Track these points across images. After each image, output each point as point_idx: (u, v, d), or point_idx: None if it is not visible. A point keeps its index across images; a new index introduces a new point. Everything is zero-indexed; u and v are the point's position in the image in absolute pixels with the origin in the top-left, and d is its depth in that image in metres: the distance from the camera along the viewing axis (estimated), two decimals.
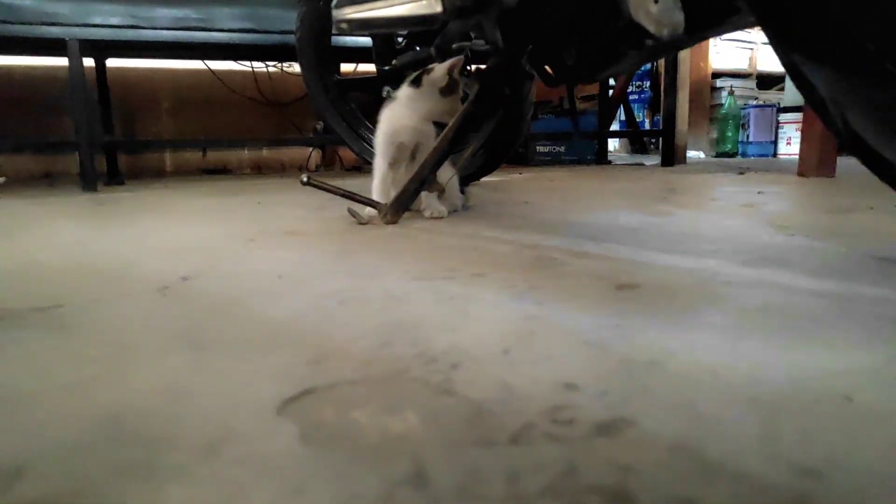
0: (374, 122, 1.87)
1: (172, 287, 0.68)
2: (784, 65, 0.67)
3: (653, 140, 4.17)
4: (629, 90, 3.80)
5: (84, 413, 0.36)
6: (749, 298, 0.58)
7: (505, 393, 0.38)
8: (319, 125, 3.15)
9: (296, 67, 2.97)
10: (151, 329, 0.53)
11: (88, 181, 2.17)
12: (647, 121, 4.09)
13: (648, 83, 3.97)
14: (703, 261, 0.74)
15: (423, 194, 1.20)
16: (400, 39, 1.66)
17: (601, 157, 3.22)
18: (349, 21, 1.05)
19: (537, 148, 3.26)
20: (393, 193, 1.15)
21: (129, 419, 0.35)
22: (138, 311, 0.59)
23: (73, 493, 0.28)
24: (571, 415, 0.34)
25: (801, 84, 0.65)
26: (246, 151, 3.17)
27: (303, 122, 3.20)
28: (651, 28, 0.66)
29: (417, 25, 1.02)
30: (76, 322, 0.56)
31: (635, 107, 4.01)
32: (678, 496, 0.26)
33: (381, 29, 1.06)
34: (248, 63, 2.99)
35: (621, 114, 3.85)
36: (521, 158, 3.23)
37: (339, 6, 1.06)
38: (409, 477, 0.29)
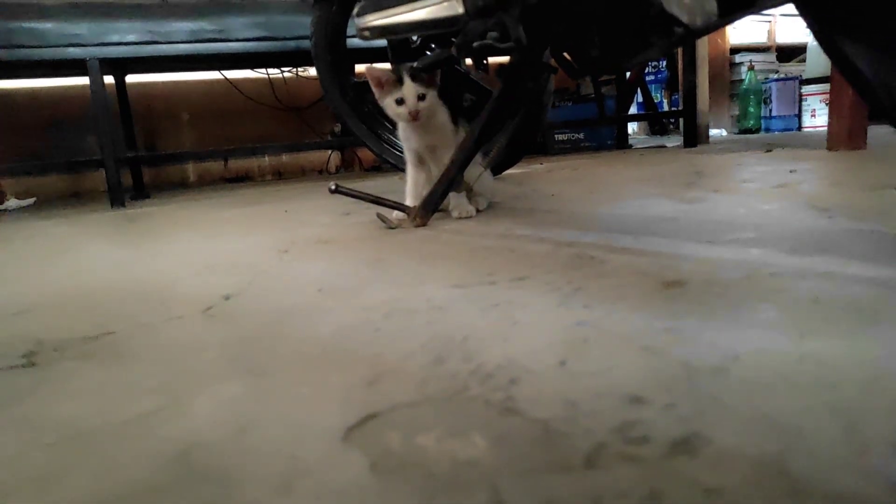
0: (392, 122, 1.88)
1: (216, 307, 0.69)
2: (825, 47, 0.65)
3: (672, 120, 4.11)
4: (645, 71, 3.75)
5: (153, 449, 0.36)
6: (802, 290, 0.56)
7: (570, 410, 0.37)
8: (337, 128, 3.16)
9: (311, 72, 2.98)
10: (203, 354, 0.54)
11: (116, 197, 2.20)
12: (664, 101, 4.02)
13: (665, 63, 3.90)
14: (748, 251, 0.73)
15: (451, 194, 1.19)
16: (415, 39, 1.65)
17: (621, 142, 3.18)
18: (371, 28, 1.05)
19: (556, 136, 3.23)
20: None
21: (197, 455, 0.35)
22: (187, 335, 0.60)
23: None
24: (643, 431, 0.33)
25: (843, 66, 0.63)
26: (266, 158, 3.20)
27: (320, 126, 3.21)
28: (684, 18, 0.65)
29: (439, 28, 1.01)
30: (128, 350, 0.56)
31: (652, 88, 3.94)
32: None
33: (404, 34, 1.05)
34: (263, 70, 3.01)
35: (638, 96, 3.79)
36: (541, 148, 3.21)
37: (361, 14, 1.05)
38: None
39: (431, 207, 1.15)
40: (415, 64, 1.05)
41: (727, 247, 0.76)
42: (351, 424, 0.37)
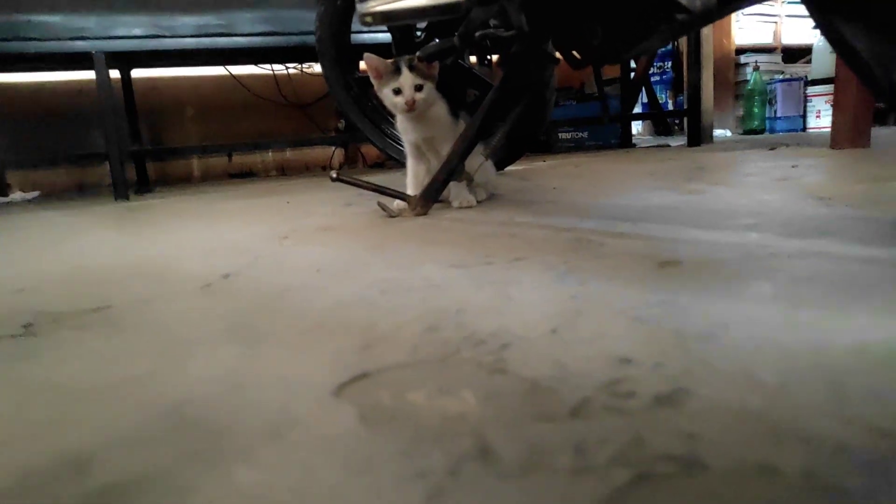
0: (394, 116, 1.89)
1: (215, 284, 0.69)
2: (822, 29, 0.65)
3: (677, 121, 4.10)
4: (650, 71, 3.74)
5: (147, 404, 0.37)
6: (798, 268, 0.57)
7: (559, 370, 0.37)
8: (341, 124, 3.16)
9: (315, 68, 2.99)
10: (200, 324, 0.54)
11: (120, 190, 2.21)
12: (669, 101, 4.02)
13: (670, 63, 3.90)
14: (745, 234, 0.73)
15: (452, 184, 1.20)
16: (419, 32, 1.66)
17: (625, 141, 3.18)
18: (373, 14, 1.05)
19: (559, 134, 3.23)
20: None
21: (190, 409, 0.36)
22: (185, 308, 0.60)
23: (143, 479, 0.29)
24: (630, 387, 0.34)
25: (841, 48, 0.63)
26: (270, 154, 3.21)
27: (324, 122, 3.22)
28: (683, 0, 0.65)
29: (440, 15, 1.01)
30: (127, 321, 0.57)
31: (657, 88, 3.94)
32: (752, 460, 0.26)
33: (405, 20, 1.06)
34: (268, 66, 3.02)
35: (643, 96, 3.79)
36: (544, 146, 3.21)
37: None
38: (473, 452, 0.29)
39: (432, 196, 1.15)
40: (416, 54, 1.05)
41: (725, 231, 0.76)
42: (342, 382, 0.38)
